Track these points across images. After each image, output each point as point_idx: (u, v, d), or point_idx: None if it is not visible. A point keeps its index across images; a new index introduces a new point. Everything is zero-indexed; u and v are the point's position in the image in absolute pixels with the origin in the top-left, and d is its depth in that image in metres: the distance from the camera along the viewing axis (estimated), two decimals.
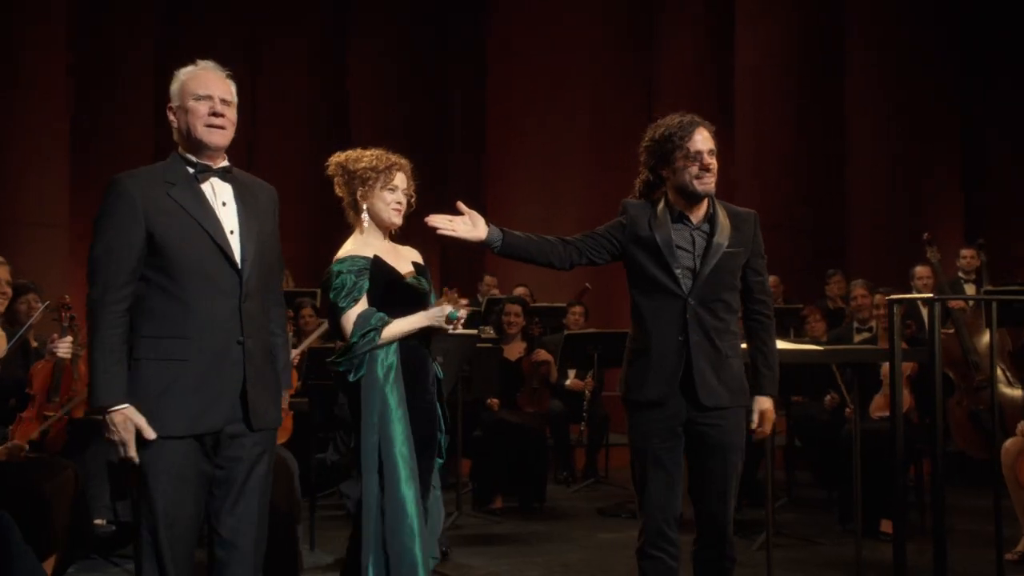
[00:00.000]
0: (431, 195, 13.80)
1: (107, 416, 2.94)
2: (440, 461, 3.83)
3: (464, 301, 3.91)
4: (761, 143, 11.36)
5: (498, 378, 6.79)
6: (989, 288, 8.50)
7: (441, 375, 3.84)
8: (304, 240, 10.98)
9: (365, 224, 3.79)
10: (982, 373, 7.51)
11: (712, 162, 3.59)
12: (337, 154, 3.85)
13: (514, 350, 7.44)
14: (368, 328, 3.59)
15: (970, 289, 8.69)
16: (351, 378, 3.60)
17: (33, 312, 4.63)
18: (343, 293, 3.64)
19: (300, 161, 12.17)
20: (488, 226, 3.52)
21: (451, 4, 13.61)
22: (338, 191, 3.83)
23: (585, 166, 11.47)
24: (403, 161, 3.85)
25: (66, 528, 4.14)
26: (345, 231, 3.88)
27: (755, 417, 3.72)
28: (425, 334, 3.73)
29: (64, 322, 4.17)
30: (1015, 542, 5.55)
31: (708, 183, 3.60)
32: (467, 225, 3.50)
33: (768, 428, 3.76)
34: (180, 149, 3.14)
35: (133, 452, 2.94)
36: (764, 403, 3.73)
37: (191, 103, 3.08)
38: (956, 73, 12.42)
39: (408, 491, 3.55)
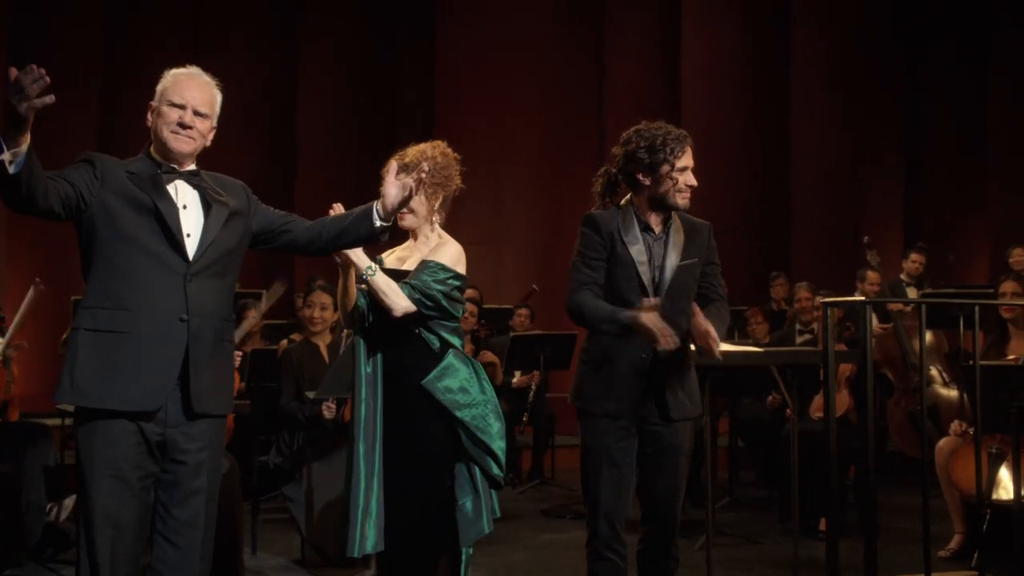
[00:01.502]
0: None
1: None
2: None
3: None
4: (708, 146, 11.41)
5: None
6: (928, 291, 8.67)
7: (443, 385, 3.69)
8: None
9: None
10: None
11: (695, 179, 3.66)
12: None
13: None
14: None
15: (912, 292, 8.83)
16: None
17: None
18: None
19: (243, 160, 12.07)
20: None
21: (401, 3, 13.57)
22: None
23: (534, 169, 11.49)
24: (406, 159, 3.71)
25: None
26: None
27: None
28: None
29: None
30: (948, 540, 5.67)
31: (688, 199, 3.66)
32: None
33: (715, 344, 3.52)
34: (151, 148, 3.15)
35: None
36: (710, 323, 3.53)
37: (165, 107, 3.09)
38: (901, 78, 12.62)
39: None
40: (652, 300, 3.55)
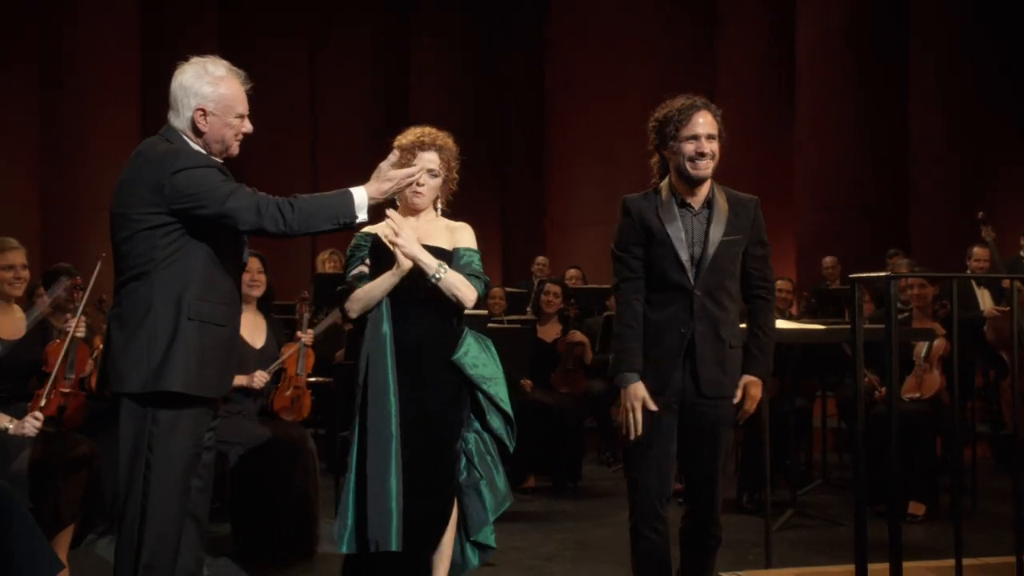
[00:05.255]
0: (495, 179, 13.89)
1: None
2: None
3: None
4: (823, 121, 11.15)
5: (530, 359, 6.84)
6: None
7: (470, 360, 3.76)
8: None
9: (398, 200, 3.82)
10: None
11: (708, 147, 3.56)
12: None
13: (550, 331, 7.50)
14: (339, 289, 3.78)
15: None
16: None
17: (75, 299, 4.77)
18: (345, 264, 3.87)
19: (360, 148, 12.40)
20: None
21: None
22: None
23: (645, 152, 11.40)
24: (438, 140, 3.82)
25: (79, 502, 4.33)
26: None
27: (739, 392, 3.67)
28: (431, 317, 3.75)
29: (77, 302, 4.36)
30: None
31: (702, 168, 3.57)
32: None
33: (751, 407, 3.71)
34: (193, 142, 3.27)
35: None
36: (750, 381, 3.69)
37: (234, 120, 3.27)
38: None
39: (383, 456, 3.59)
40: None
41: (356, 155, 12.30)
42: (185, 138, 3.28)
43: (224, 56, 3.40)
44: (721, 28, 11.99)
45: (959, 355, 6.49)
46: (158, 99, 3.36)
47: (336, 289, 3.86)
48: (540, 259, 10.54)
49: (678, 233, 3.59)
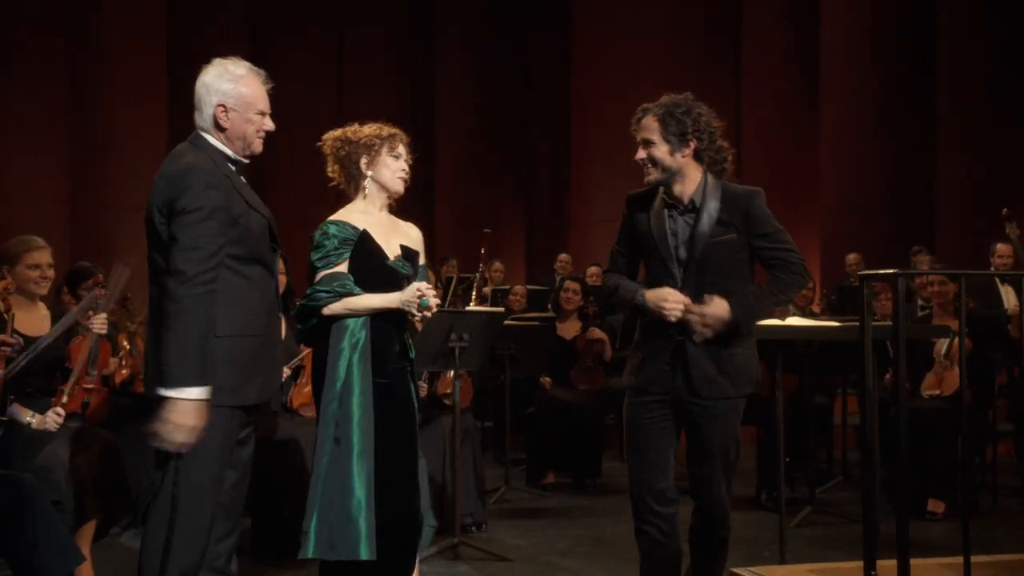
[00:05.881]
0: (519, 178, 13.80)
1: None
2: None
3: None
4: (847, 122, 11.13)
5: (549, 356, 6.88)
6: None
7: (413, 357, 3.89)
8: None
9: (366, 192, 3.83)
10: None
11: (640, 154, 3.55)
12: (330, 132, 3.91)
13: (570, 328, 7.52)
14: (327, 288, 3.67)
15: None
16: (298, 326, 3.82)
17: (98, 297, 4.84)
18: (322, 254, 3.73)
19: None
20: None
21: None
22: (331, 167, 3.88)
23: None
24: (407, 138, 3.94)
25: (102, 496, 4.39)
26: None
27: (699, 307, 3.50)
28: (398, 314, 3.77)
29: (100, 299, 4.44)
30: None
31: (646, 173, 3.58)
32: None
33: (694, 321, 3.48)
34: (216, 139, 3.32)
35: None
36: (717, 305, 3.49)
37: (255, 116, 3.32)
38: None
39: (359, 465, 3.63)
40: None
41: None
42: (209, 138, 3.32)
43: (250, 58, 3.47)
44: (745, 30, 11.95)
45: (982, 352, 6.55)
46: (185, 98, 3.42)
47: (321, 284, 3.73)
48: (562, 256, 10.58)
49: (663, 233, 3.57)
